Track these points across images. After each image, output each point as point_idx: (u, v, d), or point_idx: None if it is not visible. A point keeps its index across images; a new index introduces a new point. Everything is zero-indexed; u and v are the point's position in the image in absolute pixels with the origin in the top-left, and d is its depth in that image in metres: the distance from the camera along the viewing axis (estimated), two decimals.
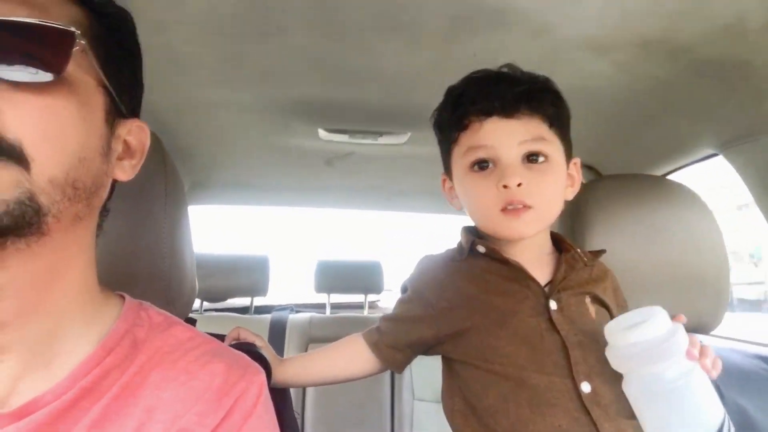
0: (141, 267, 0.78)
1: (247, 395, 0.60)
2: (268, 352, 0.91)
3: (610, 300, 0.87)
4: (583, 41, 1.03)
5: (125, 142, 0.59)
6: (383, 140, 1.59)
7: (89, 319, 0.58)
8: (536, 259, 0.86)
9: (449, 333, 0.85)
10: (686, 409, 0.66)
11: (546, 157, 0.82)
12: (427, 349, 0.91)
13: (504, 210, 0.80)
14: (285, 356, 2.10)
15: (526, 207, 0.80)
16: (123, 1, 0.60)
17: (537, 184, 0.80)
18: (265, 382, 0.63)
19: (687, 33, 0.97)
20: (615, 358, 0.72)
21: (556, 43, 1.04)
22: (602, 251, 0.93)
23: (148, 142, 0.62)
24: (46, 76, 0.48)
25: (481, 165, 0.82)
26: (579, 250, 0.89)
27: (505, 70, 0.87)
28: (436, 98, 1.35)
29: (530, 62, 1.11)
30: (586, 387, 0.76)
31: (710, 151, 1.33)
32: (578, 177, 0.90)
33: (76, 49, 0.49)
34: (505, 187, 0.79)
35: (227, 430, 0.57)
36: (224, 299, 2.41)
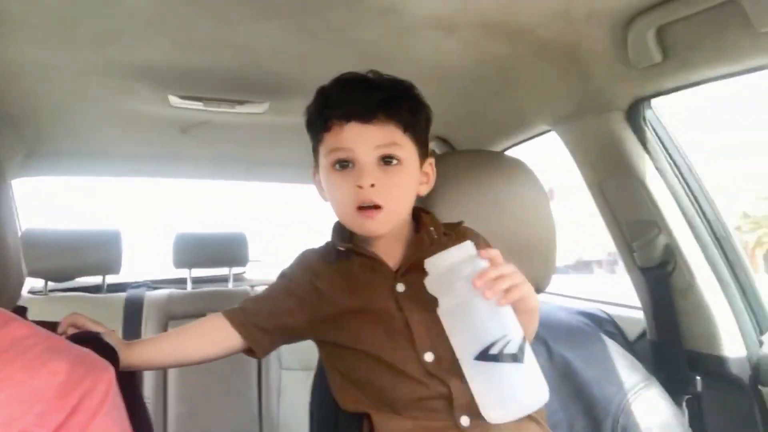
0: None
1: (94, 393, 0.58)
2: (112, 338, 0.87)
3: None
4: (430, 20, 1.07)
5: None
6: (241, 109, 1.54)
7: None
8: (392, 245, 0.93)
9: (322, 319, 0.92)
10: (462, 326, 0.77)
11: (399, 160, 0.88)
12: (294, 336, 0.96)
13: (359, 208, 0.87)
14: (143, 336, 2.03)
15: (377, 207, 0.86)
16: None
17: (388, 185, 0.87)
18: (114, 379, 0.61)
19: (523, 16, 1.05)
20: (426, 283, 0.80)
21: (404, 22, 1.07)
22: (459, 223, 0.99)
23: None
24: None
25: (342, 164, 0.88)
26: (432, 227, 0.95)
27: (371, 75, 0.92)
28: (295, 69, 1.34)
29: (382, 37, 1.14)
30: (429, 356, 0.86)
31: (546, 128, 1.46)
32: (432, 174, 0.97)
33: None
34: (359, 187, 0.85)
35: (71, 429, 0.55)
36: (72, 278, 2.23)
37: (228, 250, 2.38)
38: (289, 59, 1.27)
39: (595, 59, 1.14)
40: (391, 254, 0.93)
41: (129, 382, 0.87)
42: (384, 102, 0.87)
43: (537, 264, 1.18)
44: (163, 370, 2.06)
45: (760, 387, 1.19)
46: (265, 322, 0.93)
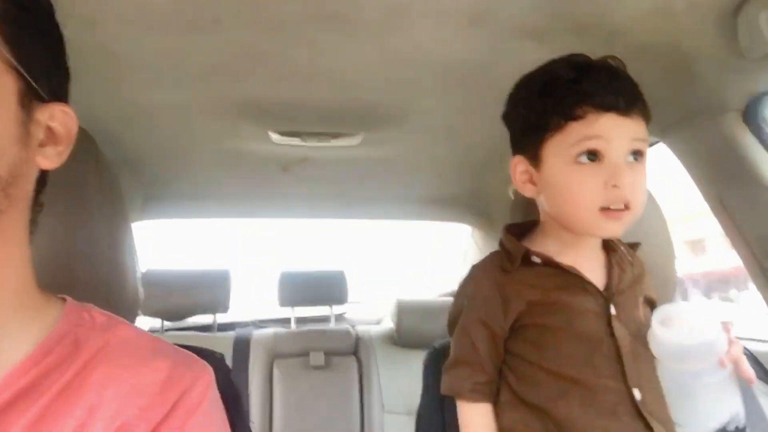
0: (78, 271, 0.74)
1: (193, 391, 0.58)
2: None
3: (653, 294, 0.91)
4: (520, 29, 1.05)
5: (49, 128, 0.56)
6: (336, 142, 1.58)
7: (28, 320, 0.56)
8: (589, 261, 0.87)
9: (512, 330, 0.86)
10: (701, 401, 0.73)
11: (644, 158, 0.83)
12: None
13: (604, 210, 0.79)
14: (250, 373, 2.08)
15: (627, 208, 0.79)
16: None
17: (637, 185, 0.80)
18: (213, 381, 0.62)
19: (618, 16, 0.99)
20: (653, 345, 0.76)
21: (493, 32, 1.06)
22: (637, 244, 0.93)
23: (75, 128, 0.59)
24: None
25: (591, 156, 0.80)
26: (622, 246, 0.90)
27: (611, 63, 0.85)
28: (384, 95, 1.36)
29: (471, 51, 1.13)
30: (637, 393, 0.78)
31: (653, 139, 1.35)
32: None
33: None
34: (615, 186, 0.78)
35: (171, 425, 0.55)
36: (185, 317, 2.35)
37: (328, 288, 2.42)
38: (380, 86, 1.30)
39: (701, 56, 1.05)
40: (588, 271, 0.85)
41: (234, 402, 0.88)
42: (639, 94, 0.82)
43: (657, 286, 1.07)
44: (269, 409, 2.10)
45: None
46: (493, 375, 0.87)
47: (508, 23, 1.03)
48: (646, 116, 0.83)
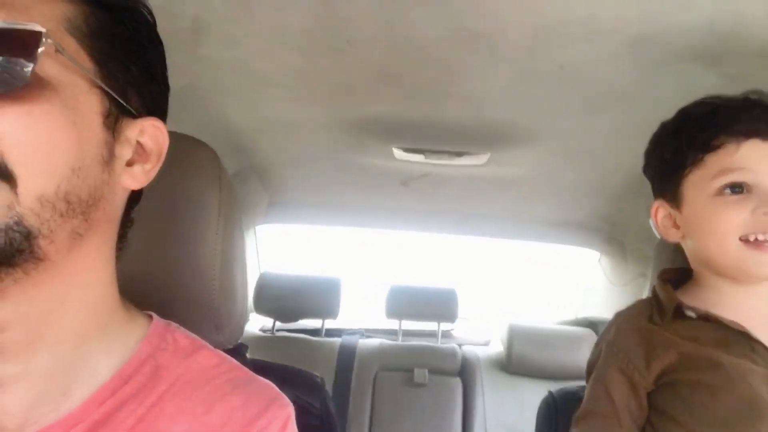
0: (187, 291, 0.74)
1: (269, 429, 0.55)
2: None
3: None
4: (688, 52, 0.92)
5: (139, 144, 0.54)
6: (461, 161, 1.51)
7: (111, 343, 0.54)
8: (757, 315, 0.77)
9: (657, 382, 0.77)
10: None
11: None
12: None
13: (748, 241, 0.73)
14: (353, 382, 2.07)
15: None
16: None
17: None
18: (292, 416, 0.58)
19: None
20: None
21: (656, 55, 0.94)
22: None
23: (166, 143, 0.56)
24: (17, 81, 0.43)
25: (734, 189, 0.75)
26: None
27: (754, 96, 0.80)
28: (518, 115, 1.28)
29: (625, 73, 1.02)
30: None
31: None
32: None
33: (43, 49, 0.44)
34: (766, 214, 0.72)
35: None
36: (296, 320, 2.39)
37: (438, 305, 2.35)
38: (513, 106, 1.21)
39: None
40: (756, 327, 0.75)
41: (329, 430, 0.85)
42: None
43: None
44: (368, 421, 2.08)
45: None
46: (629, 423, 0.78)
47: (676, 46, 0.90)
48: None
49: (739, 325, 0.74)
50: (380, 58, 1.02)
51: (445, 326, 2.51)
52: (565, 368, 2.03)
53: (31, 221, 0.44)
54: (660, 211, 0.84)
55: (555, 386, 1.12)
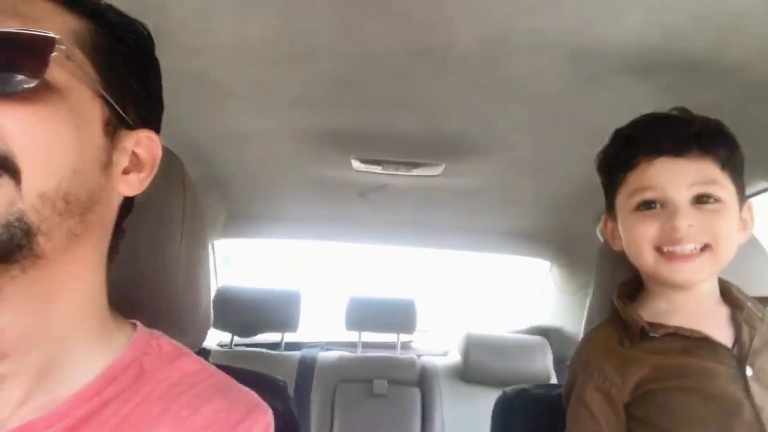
0: (152, 292, 0.75)
1: None
2: None
3: None
4: (623, 64, 0.99)
5: (134, 154, 0.57)
6: (417, 171, 1.56)
7: (98, 347, 0.56)
8: (710, 320, 0.82)
9: (634, 394, 0.81)
10: None
11: (718, 200, 0.79)
12: None
13: (664, 252, 0.79)
14: (312, 395, 2.07)
15: (697, 252, 0.78)
16: (155, 24, 0.60)
17: (708, 226, 0.78)
18: (272, 424, 0.60)
19: (741, 51, 0.92)
20: None
21: (595, 67, 1.00)
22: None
23: (159, 154, 0.60)
24: (29, 83, 0.46)
25: (648, 206, 0.81)
26: (748, 301, 0.84)
27: (674, 113, 0.86)
28: (470, 127, 1.34)
29: (569, 85, 1.08)
30: None
31: (764, 185, 1.24)
32: (750, 221, 0.86)
33: (55, 54, 0.48)
34: (671, 228, 0.77)
35: None
36: (255, 334, 2.37)
37: (397, 316, 2.38)
38: (464, 118, 1.27)
39: None
40: (712, 328, 0.80)
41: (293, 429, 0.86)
42: (698, 135, 0.80)
43: None
44: (329, 428, 2.08)
45: None
46: None
47: (612, 58, 0.97)
48: (718, 156, 0.80)
49: (700, 332, 0.79)
50: (338, 69, 1.05)
51: (404, 338, 2.54)
52: (520, 374, 2.09)
53: (32, 218, 0.46)
54: (607, 222, 0.91)
55: None
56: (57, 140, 0.48)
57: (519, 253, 2.34)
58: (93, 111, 0.52)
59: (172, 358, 0.61)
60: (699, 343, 0.79)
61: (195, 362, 0.62)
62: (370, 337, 2.51)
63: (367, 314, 2.37)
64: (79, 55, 0.51)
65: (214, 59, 1.03)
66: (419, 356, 2.39)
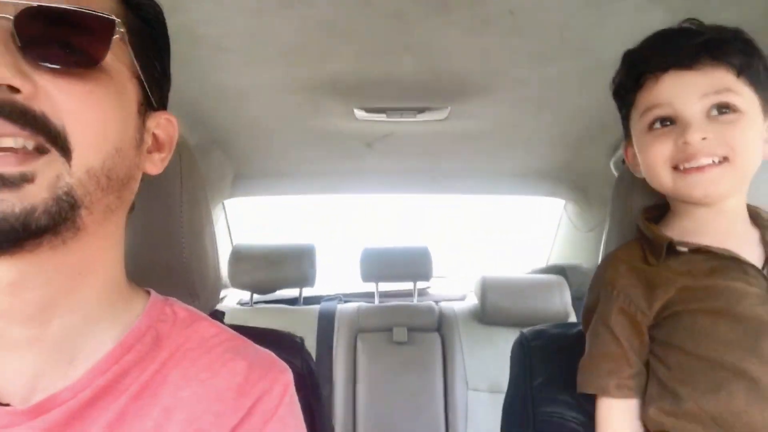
0: (160, 260, 0.76)
1: (269, 396, 0.57)
2: None
3: None
4: None
5: (154, 136, 0.59)
6: (423, 117, 1.52)
7: (116, 316, 0.57)
8: (739, 239, 0.79)
9: (659, 317, 0.79)
10: None
11: (736, 109, 0.74)
12: None
13: (681, 170, 0.76)
14: (335, 347, 2.11)
15: (715, 163, 0.74)
16: None
17: (725, 137, 0.73)
18: (291, 382, 0.61)
19: None
20: None
21: None
22: None
23: (176, 136, 0.62)
24: (88, 63, 0.48)
25: (663, 122, 0.77)
26: None
27: (686, 25, 0.81)
28: (474, 67, 1.28)
29: (571, 15, 1.03)
30: None
31: None
32: None
33: (115, 37, 0.50)
34: (685, 143, 0.74)
35: (246, 430, 0.55)
36: (273, 291, 2.40)
37: (412, 264, 2.38)
38: (469, 57, 1.22)
39: None
40: (743, 249, 0.77)
41: (312, 389, 0.87)
42: (707, 44, 0.75)
43: None
44: (353, 381, 2.12)
45: None
46: (639, 366, 0.81)
47: None
48: (732, 64, 0.74)
49: (728, 251, 0.76)
50: (331, 14, 1.01)
51: (421, 285, 2.55)
52: (538, 314, 2.09)
53: (78, 192, 0.48)
54: (629, 150, 0.87)
55: None
56: (105, 119, 0.50)
57: (532, 193, 2.31)
58: (131, 91, 0.54)
59: (188, 323, 0.61)
60: (727, 262, 0.76)
61: (211, 326, 0.63)
62: (387, 286, 2.53)
63: (382, 265, 2.37)
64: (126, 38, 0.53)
65: (199, 13, 0.99)
66: (437, 302, 2.40)
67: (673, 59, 0.75)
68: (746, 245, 0.78)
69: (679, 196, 0.79)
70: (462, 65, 1.25)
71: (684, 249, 0.78)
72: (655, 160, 0.77)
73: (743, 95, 0.74)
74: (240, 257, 2.23)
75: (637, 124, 0.80)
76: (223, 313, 0.88)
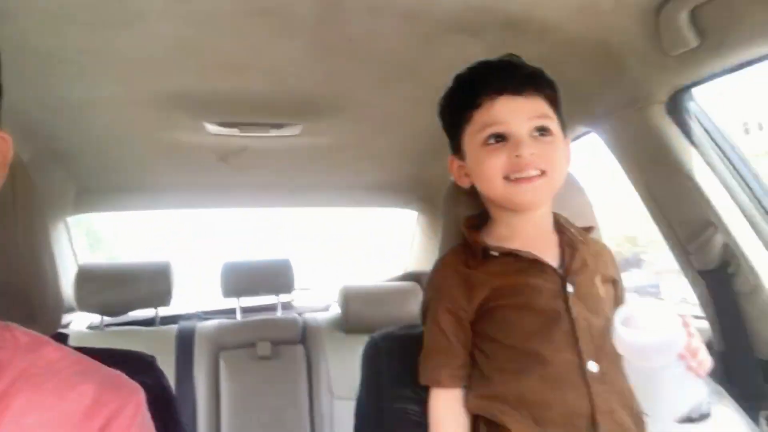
0: None
1: (121, 416, 0.57)
2: None
3: (613, 272, 0.97)
4: (454, 24, 1.06)
5: None
6: (276, 132, 1.56)
7: None
8: (542, 242, 0.93)
9: (477, 313, 0.91)
10: (666, 392, 0.77)
11: (551, 132, 0.89)
12: None
13: (512, 179, 0.87)
14: (195, 367, 2.04)
15: (538, 175, 0.87)
16: None
17: (545, 154, 0.87)
18: (143, 402, 0.60)
19: (548, 12, 1.02)
20: (617, 343, 0.78)
21: (428, 27, 1.06)
22: (591, 228, 0.99)
23: (10, 154, 0.58)
24: None
25: (498, 138, 0.88)
26: (572, 228, 0.95)
27: (508, 58, 0.94)
28: (323, 87, 1.35)
29: (406, 46, 1.13)
30: (593, 366, 0.84)
31: (584, 129, 1.40)
32: (570, 155, 0.97)
33: None
34: (518, 156, 0.85)
35: None
36: (125, 312, 2.27)
37: (274, 277, 2.38)
38: (317, 78, 1.28)
39: (627, 51, 1.09)
40: (544, 252, 0.91)
41: (166, 406, 0.87)
42: (530, 76, 0.89)
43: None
44: (215, 402, 2.07)
45: None
46: (465, 357, 0.92)
47: (442, 19, 1.03)
48: (546, 95, 0.91)
49: (531, 254, 0.89)
50: (175, 31, 1.02)
51: (285, 298, 2.55)
52: (395, 319, 2.18)
53: None
54: (454, 163, 0.98)
55: None
56: None
57: (387, 205, 2.43)
58: None
59: (32, 348, 0.59)
60: (531, 263, 0.89)
61: (56, 350, 0.61)
62: (249, 301, 2.50)
63: (243, 279, 2.35)
64: None
65: (31, 24, 0.95)
66: (301, 314, 2.42)
67: (507, 85, 0.88)
68: (547, 248, 0.93)
69: (508, 202, 0.91)
70: (310, 85, 1.32)
71: (496, 254, 0.91)
72: (491, 170, 0.88)
73: (554, 120, 0.90)
74: (87, 277, 2.08)
75: (473, 139, 0.91)
76: (66, 336, 0.85)
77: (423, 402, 0.99)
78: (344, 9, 0.98)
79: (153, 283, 2.18)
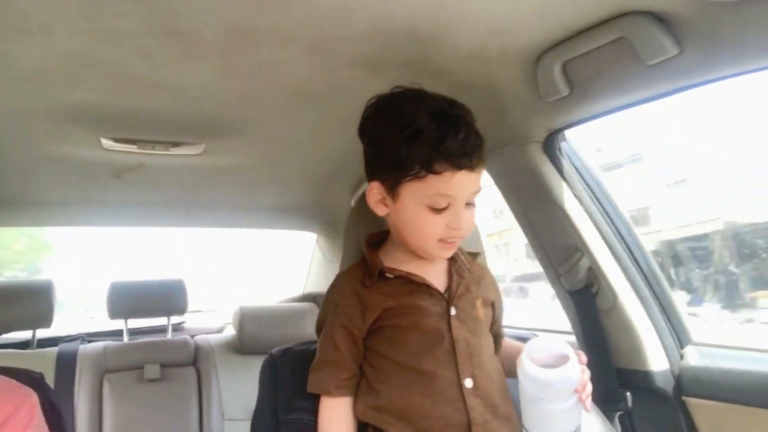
0: None
1: (15, 419, 0.58)
2: None
3: (492, 295, 1.04)
4: (357, 60, 1.13)
5: None
6: (176, 151, 1.55)
7: None
8: (434, 269, 0.99)
9: (370, 330, 0.96)
10: (556, 420, 0.87)
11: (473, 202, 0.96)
12: None
13: (441, 241, 0.92)
14: (76, 391, 1.93)
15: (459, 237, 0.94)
16: None
17: (471, 220, 0.95)
18: (38, 405, 0.61)
19: (442, 57, 1.12)
20: (521, 374, 0.86)
21: (333, 61, 1.13)
22: (477, 253, 1.06)
23: None
24: None
25: (441, 206, 0.91)
26: (462, 255, 1.02)
27: (465, 117, 0.93)
28: (229, 109, 1.38)
29: (311, 76, 1.20)
30: (468, 382, 0.92)
31: None
32: None
33: None
34: (456, 228, 0.91)
35: None
36: (2, 333, 2.10)
37: (166, 299, 2.30)
38: (223, 100, 1.31)
39: (510, 95, 1.23)
40: (434, 278, 0.97)
41: (57, 421, 0.85)
42: (482, 150, 0.92)
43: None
44: (98, 427, 1.96)
45: (683, 398, 1.26)
46: (355, 370, 0.97)
47: (345, 53, 1.11)
48: (484, 169, 0.97)
49: (421, 278, 0.96)
50: (79, 45, 1.00)
51: (176, 320, 2.47)
52: (291, 339, 2.16)
53: None
54: (375, 190, 0.97)
55: None
56: None
57: (288, 227, 2.45)
58: None
59: None
60: (421, 287, 0.97)
61: None
62: (138, 323, 2.39)
63: (132, 299, 2.25)
64: None
65: None
66: (193, 336, 2.36)
67: (466, 163, 0.90)
68: (438, 273, 1.00)
69: (427, 255, 0.97)
70: (215, 106, 1.34)
71: (391, 276, 0.98)
72: (428, 232, 0.93)
73: None
74: None
75: (417, 195, 0.90)
76: None
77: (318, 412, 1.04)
78: (253, 37, 1.02)
79: (32, 303, 2.04)
